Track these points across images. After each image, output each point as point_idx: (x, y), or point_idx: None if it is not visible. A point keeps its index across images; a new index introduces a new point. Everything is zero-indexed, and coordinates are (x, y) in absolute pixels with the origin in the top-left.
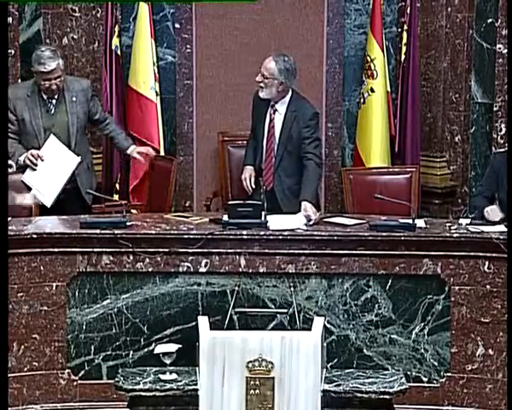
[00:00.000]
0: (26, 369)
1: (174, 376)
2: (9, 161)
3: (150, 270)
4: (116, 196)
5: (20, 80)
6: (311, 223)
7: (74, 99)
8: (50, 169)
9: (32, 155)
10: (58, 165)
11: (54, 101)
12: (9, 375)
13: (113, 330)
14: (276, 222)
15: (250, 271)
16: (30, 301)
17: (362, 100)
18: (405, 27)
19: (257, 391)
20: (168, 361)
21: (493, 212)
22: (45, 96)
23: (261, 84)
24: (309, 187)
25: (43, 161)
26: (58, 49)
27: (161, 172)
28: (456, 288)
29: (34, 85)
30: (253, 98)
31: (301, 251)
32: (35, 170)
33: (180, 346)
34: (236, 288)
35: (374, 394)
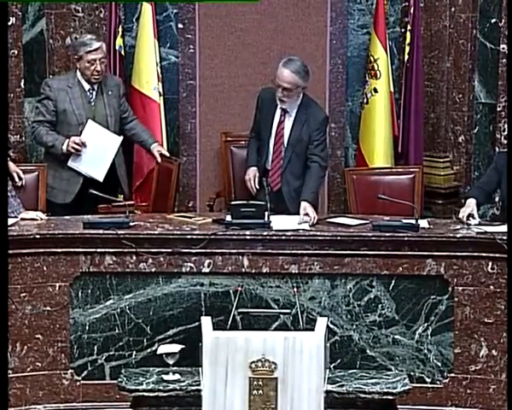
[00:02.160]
0: (29, 369)
1: (177, 376)
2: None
3: (153, 270)
4: (120, 196)
5: (22, 81)
6: (307, 225)
7: (110, 93)
8: (95, 153)
9: (76, 143)
10: (102, 147)
11: (94, 93)
12: (12, 375)
13: (116, 331)
14: (280, 222)
15: (253, 271)
16: (33, 301)
17: (365, 100)
18: (409, 27)
19: (260, 392)
20: (171, 362)
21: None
22: (87, 87)
23: (284, 98)
24: (310, 188)
25: (86, 147)
26: (61, 49)
27: (164, 172)
28: (460, 288)
29: (75, 78)
30: (258, 98)
31: (304, 251)
32: (79, 155)
33: (183, 346)
34: (239, 288)
35: (377, 394)
